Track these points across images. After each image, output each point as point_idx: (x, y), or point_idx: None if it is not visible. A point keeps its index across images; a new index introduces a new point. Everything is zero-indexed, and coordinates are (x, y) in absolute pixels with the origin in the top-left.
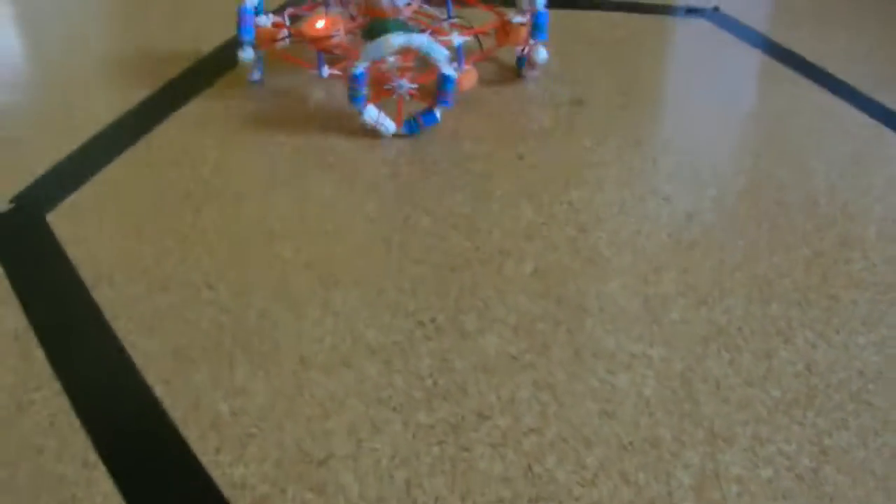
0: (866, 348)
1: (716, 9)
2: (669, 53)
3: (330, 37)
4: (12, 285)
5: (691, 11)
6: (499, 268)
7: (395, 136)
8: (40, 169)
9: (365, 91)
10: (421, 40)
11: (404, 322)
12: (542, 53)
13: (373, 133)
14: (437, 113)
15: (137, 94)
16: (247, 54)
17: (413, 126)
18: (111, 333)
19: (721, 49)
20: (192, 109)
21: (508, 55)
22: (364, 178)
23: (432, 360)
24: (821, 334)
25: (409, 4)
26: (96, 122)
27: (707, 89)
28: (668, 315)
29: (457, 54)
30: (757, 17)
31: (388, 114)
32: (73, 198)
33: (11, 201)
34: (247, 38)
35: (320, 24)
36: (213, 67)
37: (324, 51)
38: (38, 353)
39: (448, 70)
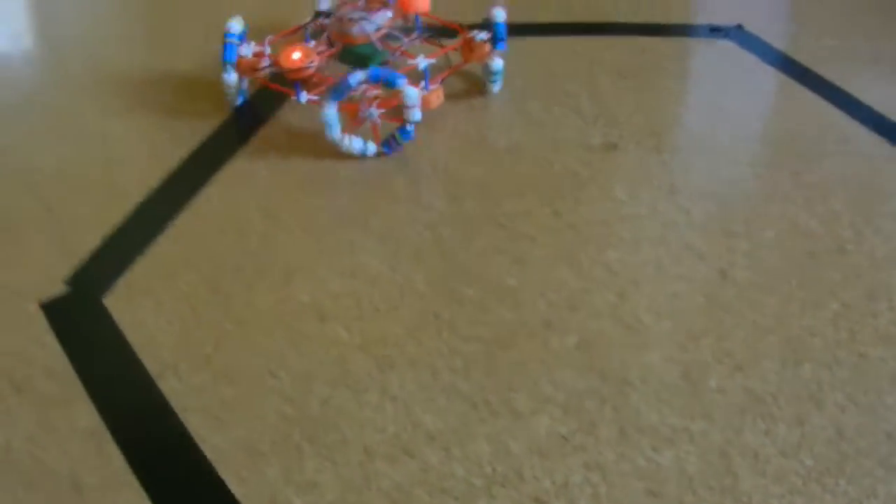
0: (893, 408)
1: (739, 26)
2: (697, 82)
3: (305, 68)
4: (80, 377)
5: (715, 30)
6: (545, 342)
7: (378, 155)
8: (90, 244)
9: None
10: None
11: (460, 405)
12: (497, 63)
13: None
14: (411, 129)
15: (177, 153)
16: (229, 77)
17: (390, 145)
18: (182, 428)
19: (746, 75)
20: (233, 170)
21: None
22: (409, 245)
23: (489, 444)
24: (850, 396)
25: (378, 30)
26: (140, 187)
27: (734, 123)
28: (707, 384)
29: (423, 75)
30: (779, 33)
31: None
32: (127, 277)
33: (66, 283)
34: (230, 60)
35: (296, 55)
36: (249, 120)
37: (300, 81)
38: (114, 451)
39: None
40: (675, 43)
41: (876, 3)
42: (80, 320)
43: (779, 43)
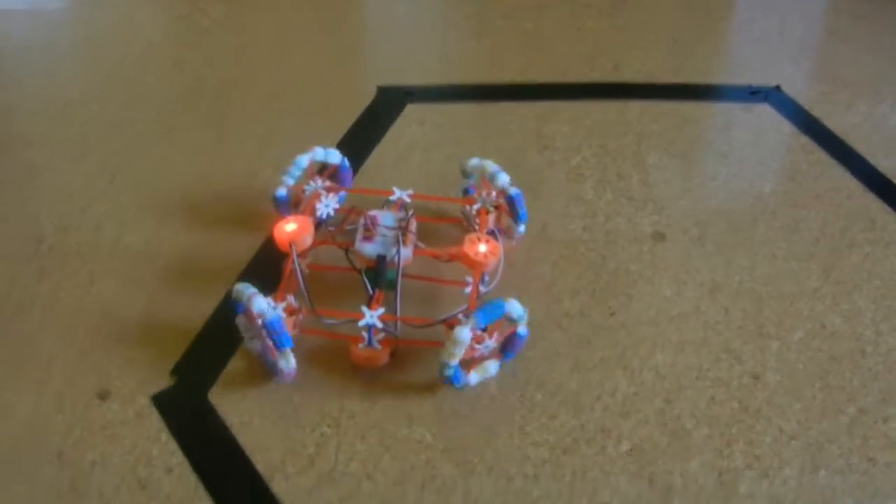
0: None
1: (777, 87)
2: (738, 160)
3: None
4: (200, 480)
5: (755, 93)
6: (602, 448)
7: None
8: (190, 333)
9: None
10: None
11: None
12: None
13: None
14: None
15: (258, 237)
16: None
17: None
18: None
19: (782, 148)
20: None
21: None
22: None
23: None
24: (858, 502)
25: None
26: (228, 271)
27: (772, 212)
28: (738, 490)
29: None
30: (815, 96)
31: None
32: (226, 372)
33: (172, 374)
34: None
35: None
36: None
37: None
38: None
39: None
40: (717, 109)
41: None
42: (190, 416)
43: (814, 107)
